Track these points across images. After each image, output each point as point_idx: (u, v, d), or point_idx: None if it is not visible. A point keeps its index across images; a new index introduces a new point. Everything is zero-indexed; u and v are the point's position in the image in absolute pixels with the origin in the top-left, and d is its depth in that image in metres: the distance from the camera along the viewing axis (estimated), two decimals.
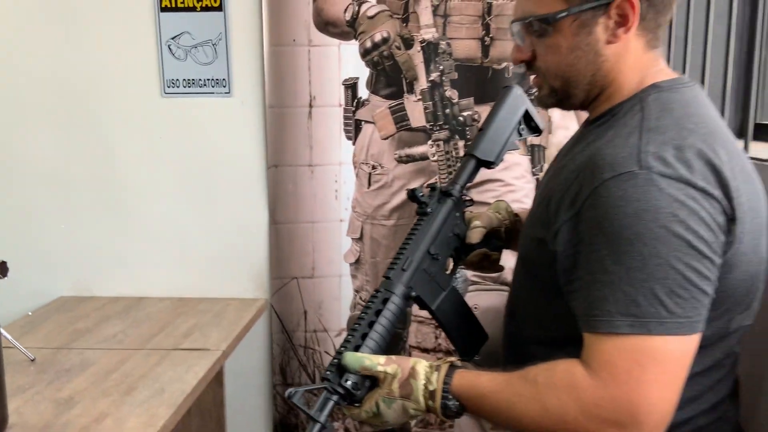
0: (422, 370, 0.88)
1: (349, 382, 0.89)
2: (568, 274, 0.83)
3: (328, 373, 0.91)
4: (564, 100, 0.94)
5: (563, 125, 1.84)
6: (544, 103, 0.97)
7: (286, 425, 2.06)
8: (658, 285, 0.74)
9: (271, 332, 2.04)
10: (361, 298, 2.01)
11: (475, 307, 1.97)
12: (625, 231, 0.75)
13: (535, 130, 1.13)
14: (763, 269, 0.88)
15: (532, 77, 0.96)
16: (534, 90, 1.00)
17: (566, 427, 0.78)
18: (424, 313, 1.98)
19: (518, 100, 1.10)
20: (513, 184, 1.89)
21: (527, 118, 1.11)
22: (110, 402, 1.29)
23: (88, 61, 1.94)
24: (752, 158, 1.10)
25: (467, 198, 1.11)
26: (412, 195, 1.06)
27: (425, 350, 2.02)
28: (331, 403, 0.89)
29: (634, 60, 0.89)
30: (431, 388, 0.87)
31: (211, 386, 1.58)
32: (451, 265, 1.10)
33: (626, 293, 0.75)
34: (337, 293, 2.01)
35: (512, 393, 0.83)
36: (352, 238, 1.99)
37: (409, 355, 2.02)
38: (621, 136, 0.82)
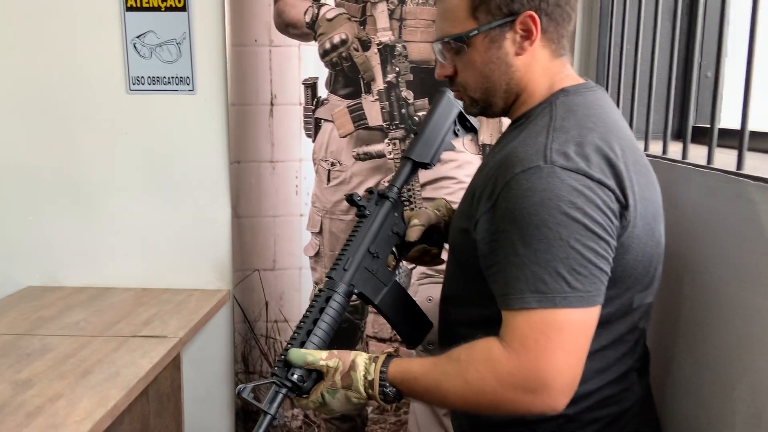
0: (362, 362, 0.96)
1: (295, 376, 0.97)
2: (487, 260, 0.91)
3: (276, 368, 0.99)
4: (486, 109, 1.03)
5: None
6: (470, 113, 1.07)
7: (247, 412, 2.14)
8: (561, 264, 0.82)
9: (233, 322, 2.11)
10: (320, 289, 2.08)
11: (429, 300, 2.07)
12: (533, 218, 0.84)
13: (470, 129, 1.21)
14: (661, 251, 0.98)
15: (455, 91, 1.06)
16: None
17: (486, 398, 0.86)
18: None
19: (450, 103, 1.19)
20: (465, 182, 1.97)
21: (461, 118, 1.20)
22: (65, 384, 1.36)
23: (54, 58, 2.00)
24: (690, 163, 1.20)
25: (405, 198, 1.19)
26: (350, 199, 1.14)
27: (382, 340, 2.11)
28: (280, 396, 0.97)
29: (542, 68, 0.98)
30: (369, 378, 0.95)
31: (168, 371, 1.65)
32: (393, 261, 1.19)
33: (534, 272, 0.83)
34: (298, 285, 2.09)
35: (439, 372, 0.91)
36: (312, 232, 2.07)
37: (366, 344, 2.10)
38: (532, 135, 0.92)
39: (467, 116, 1.19)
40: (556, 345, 0.82)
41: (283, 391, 0.97)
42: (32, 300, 1.94)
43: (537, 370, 0.82)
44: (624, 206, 0.88)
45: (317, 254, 2.07)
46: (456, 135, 1.21)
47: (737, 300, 1.00)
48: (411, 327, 1.18)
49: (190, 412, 1.97)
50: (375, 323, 2.10)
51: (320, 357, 0.98)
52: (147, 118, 2.02)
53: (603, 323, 0.90)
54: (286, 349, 1.00)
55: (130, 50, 1.97)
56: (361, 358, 0.97)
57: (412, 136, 1.97)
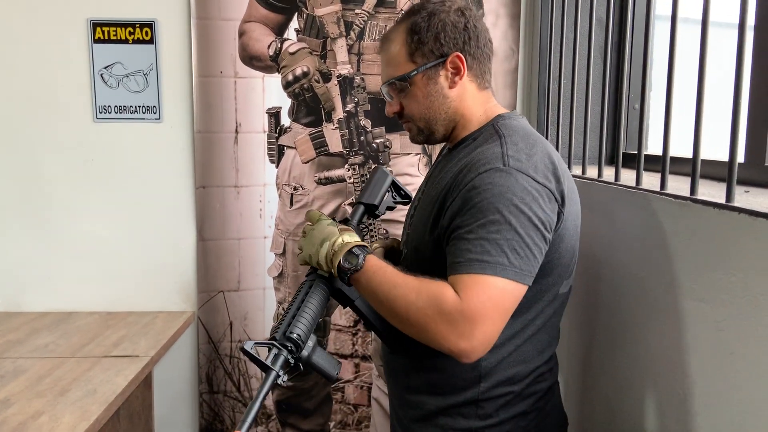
0: (352, 235, 1.11)
1: (294, 335, 1.04)
2: (449, 239, 1.06)
3: (274, 334, 1.05)
4: (430, 136, 1.22)
5: None
6: (416, 140, 1.24)
7: (211, 431, 2.18)
8: (506, 244, 0.99)
9: (198, 343, 2.16)
10: (283, 308, 2.17)
11: None
12: (491, 206, 1.01)
13: (405, 197, 1.36)
14: (577, 244, 1.17)
15: (404, 124, 1.24)
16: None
17: (422, 319, 1.00)
18: (342, 322, 2.17)
19: (385, 174, 1.35)
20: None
21: (396, 186, 1.36)
22: (45, 402, 1.40)
23: (22, 87, 2.04)
24: (622, 185, 1.38)
25: (364, 226, 1.31)
26: None
27: (343, 356, 2.20)
28: (282, 357, 1.03)
29: (473, 98, 1.18)
30: (348, 240, 1.09)
31: (140, 390, 1.70)
32: None
33: (482, 246, 0.99)
34: (261, 305, 2.17)
35: (402, 279, 1.04)
36: (276, 254, 2.16)
37: None
38: (488, 147, 1.09)
39: (400, 185, 1.37)
40: (490, 305, 0.98)
41: (284, 352, 1.03)
42: None
43: (473, 319, 0.97)
44: (561, 205, 1.06)
45: (281, 275, 2.16)
46: (394, 200, 1.37)
47: (662, 298, 1.16)
48: (388, 330, 1.27)
49: (156, 431, 2.01)
50: (337, 340, 2.19)
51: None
52: (113, 146, 2.08)
53: (541, 308, 1.11)
54: (275, 330, 1.07)
55: (97, 80, 2.03)
56: (349, 239, 1.09)
57: (370, 162, 2.10)
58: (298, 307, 1.09)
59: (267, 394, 1.02)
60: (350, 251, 1.07)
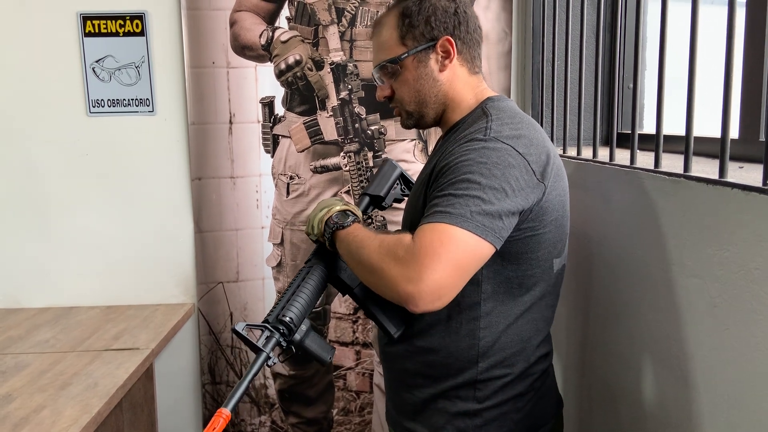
0: (344, 207, 1.17)
1: (287, 318, 1.04)
2: (429, 199, 1.07)
3: (267, 317, 1.07)
4: (420, 120, 1.23)
5: None
6: (406, 125, 1.25)
7: None
8: (472, 201, 0.98)
9: (198, 334, 2.17)
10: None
11: None
12: (465, 168, 1.02)
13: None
14: (568, 224, 1.18)
15: (394, 108, 1.25)
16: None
17: (379, 264, 1.01)
18: (342, 310, 2.18)
19: (393, 166, 1.37)
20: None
21: (404, 179, 1.37)
22: (47, 396, 1.41)
23: (14, 83, 2.03)
24: (617, 165, 1.38)
25: (367, 217, 1.32)
26: None
27: (344, 344, 2.21)
28: (273, 340, 1.03)
29: (463, 82, 1.19)
30: (337, 208, 1.16)
31: (141, 382, 1.71)
32: None
33: (449, 201, 1.00)
34: (261, 295, 2.17)
35: (375, 235, 1.08)
36: (274, 244, 2.16)
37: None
38: (474, 127, 1.10)
39: (408, 177, 1.38)
40: (442, 252, 0.96)
41: (276, 335, 1.04)
42: None
43: (422, 264, 0.95)
44: (541, 178, 1.05)
45: (279, 264, 2.17)
46: (402, 193, 1.37)
47: (657, 276, 1.17)
48: (388, 316, 1.24)
49: (159, 424, 2.02)
50: (337, 328, 2.20)
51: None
52: (107, 140, 2.07)
53: (532, 284, 1.11)
54: (269, 314, 1.08)
55: (89, 74, 2.02)
56: (347, 207, 1.17)
57: (366, 149, 2.10)
58: (294, 291, 1.10)
59: (256, 374, 1.02)
60: (344, 212, 1.14)
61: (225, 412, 0.95)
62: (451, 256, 0.96)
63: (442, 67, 1.17)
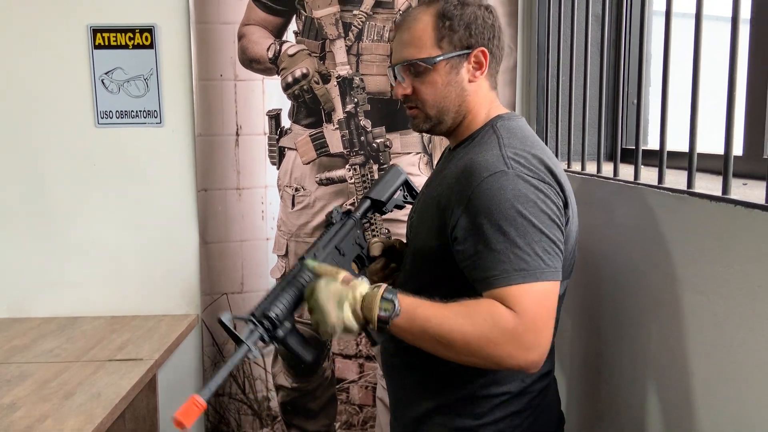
0: (366, 284, 1.02)
1: (272, 313, 1.03)
2: (466, 253, 1.03)
3: (253, 312, 1.04)
4: (436, 126, 1.18)
5: None
6: (419, 128, 1.20)
7: None
8: (537, 246, 0.98)
9: (202, 345, 2.17)
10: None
11: None
12: (509, 211, 0.99)
13: (415, 197, 1.36)
14: (577, 245, 1.17)
15: (409, 109, 1.19)
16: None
17: (485, 344, 0.95)
18: None
19: (398, 172, 1.36)
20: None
21: (408, 186, 1.36)
22: (50, 406, 1.41)
23: (24, 94, 2.06)
24: (621, 180, 1.38)
25: (366, 222, 1.31)
26: (328, 217, 1.28)
27: (347, 357, 2.21)
28: (257, 334, 1.02)
29: (483, 96, 1.17)
30: (365, 291, 1.00)
31: (144, 393, 1.71)
32: (357, 270, 1.30)
33: (516, 254, 0.97)
34: None
35: (449, 309, 0.98)
36: (278, 255, 2.17)
37: (333, 361, 2.20)
38: (486, 150, 1.08)
39: (413, 186, 1.37)
40: (544, 312, 0.97)
41: (260, 329, 1.02)
42: (2, 331, 1.96)
43: (535, 329, 0.95)
44: (565, 205, 1.07)
45: (283, 276, 2.17)
46: (405, 199, 1.37)
47: (661, 292, 1.17)
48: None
49: None
50: (340, 341, 2.20)
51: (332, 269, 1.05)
52: (115, 150, 2.09)
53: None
54: (256, 308, 1.04)
55: (98, 86, 2.04)
56: (360, 286, 1.01)
57: (371, 162, 2.11)
58: (283, 287, 1.08)
59: (235, 365, 1.00)
60: (382, 297, 0.99)
61: (199, 400, 0.92)
62: (549, 311, 0.98)
63: (472, 78, 1.14)
